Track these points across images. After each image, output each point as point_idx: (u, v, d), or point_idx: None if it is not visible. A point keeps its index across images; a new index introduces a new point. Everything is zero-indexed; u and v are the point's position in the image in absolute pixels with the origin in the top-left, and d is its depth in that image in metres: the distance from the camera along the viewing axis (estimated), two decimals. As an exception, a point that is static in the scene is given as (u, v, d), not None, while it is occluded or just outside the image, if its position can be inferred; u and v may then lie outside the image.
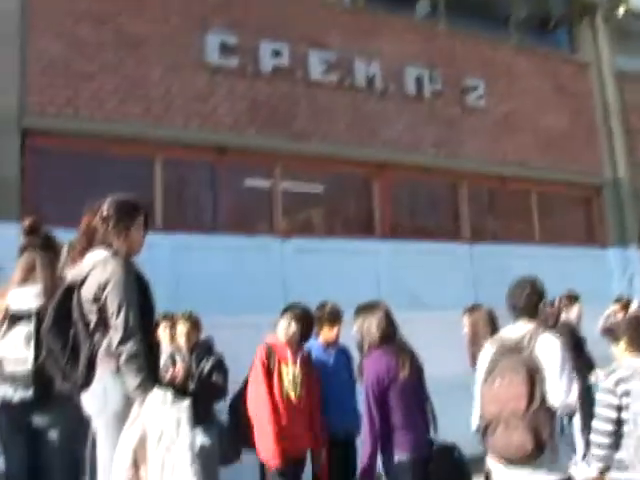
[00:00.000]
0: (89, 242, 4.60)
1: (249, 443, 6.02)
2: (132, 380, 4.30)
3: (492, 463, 5.14)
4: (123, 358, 4.32)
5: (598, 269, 12.58)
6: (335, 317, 6.63)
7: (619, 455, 5.19)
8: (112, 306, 4.36)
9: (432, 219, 11.68)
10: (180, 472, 4.14)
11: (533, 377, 4.96)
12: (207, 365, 6.75)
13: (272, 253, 9.48)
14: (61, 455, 5.34)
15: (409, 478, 5.66)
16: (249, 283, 8.83)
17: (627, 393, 5.17)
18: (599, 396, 5.31)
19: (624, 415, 5.14)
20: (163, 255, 8.51)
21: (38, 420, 5.27)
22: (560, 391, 4.99)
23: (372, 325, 5.85)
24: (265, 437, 5.90)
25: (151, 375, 4.39)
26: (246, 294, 8.68)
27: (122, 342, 4.32)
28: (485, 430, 5.11)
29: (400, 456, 5.64)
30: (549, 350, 5.08)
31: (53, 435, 5.30)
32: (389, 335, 5.87)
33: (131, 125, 8.98)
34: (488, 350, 5.37)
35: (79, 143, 8.75)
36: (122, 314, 4.34)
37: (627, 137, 13.65)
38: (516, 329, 5.37)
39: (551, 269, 11.60)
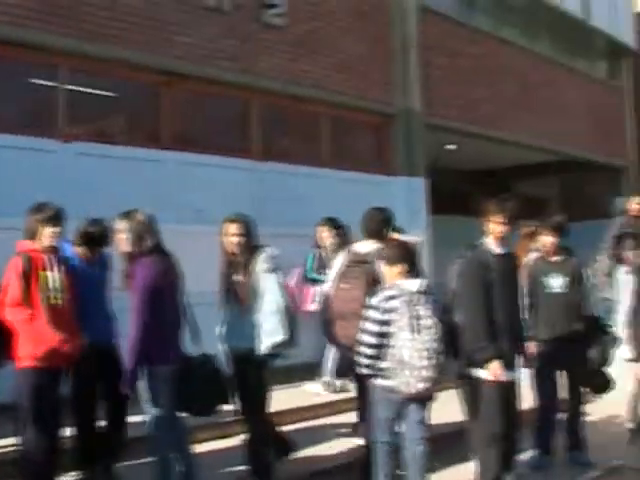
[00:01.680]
0: None
1: (7, 353, 5.72)
2: None
3: None
4: None
5: (384, 197, 12.85)
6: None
7: (385, 364, 5.81)
8: None
9: (222, 134, 11.48)
10: None
11: (370, 284, 6.13)
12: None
13: (52, 155, 9.03)
14: None
15: (163, 388, 5.71)
16: (27, 185, 8.39)
17: (392, 310, 5.73)
18: (368, 312, 5.86)
19: (390, 329, 5.73)
20: None
21: None
22: None
23: (137, 232, 5.80)
24: (25, 344, 5.65)
25: None
26: (23, 196, 8.26)
27: None
28: (329, 322, 6.43)
29: (156, 367, 5.66)
30: None
31: None
32: (156, 243, 5.85)
33: None
34: (340, 259, 6.64)
35: None
36: None
37: (423, 70, 13.95)
38: (365, 246, 6.54)
39: (339, 192, 11.85)
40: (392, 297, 5.76)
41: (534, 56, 17.43)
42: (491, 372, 6.11)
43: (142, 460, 6.51)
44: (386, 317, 5.71)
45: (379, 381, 5.89)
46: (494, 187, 19.47)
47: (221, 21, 10.78)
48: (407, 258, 5.98)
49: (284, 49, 11.60)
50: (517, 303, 6.55)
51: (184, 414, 5.98)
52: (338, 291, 6.31)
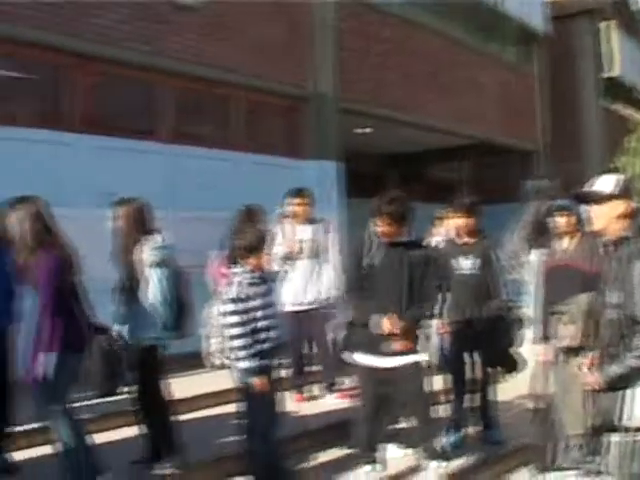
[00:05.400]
0: None
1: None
2: None
3: None
4: None
5: (296, 180, 12.87)
6: None
7: None
8: None
9: (134, 117, 11.30)
10: None
11: None
12: None
13: None
14: None
15: (65, 375, 5.59)
16: None
17: None
18: None
19: None
20: None
21: None
22: None
23: (26, 222, 5.56)
24: None
25: None
26: None
27: None
28: None
29: (60, 354, 5.55)
30: None
31: None
32: (50, 233, 5.67)
33: None
34: None
35: None
36: None
37: (336, 54, 13.97)
38: None
39: (250, 176, 11.84)
40: None
41: (446, 39, 17.60)
42: None
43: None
44: None
45: None
46: (407, 170, 19.75)
47: (132, 2, 10.62)
48: None
49: (196, 31, 11.47)
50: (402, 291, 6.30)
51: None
52: None
